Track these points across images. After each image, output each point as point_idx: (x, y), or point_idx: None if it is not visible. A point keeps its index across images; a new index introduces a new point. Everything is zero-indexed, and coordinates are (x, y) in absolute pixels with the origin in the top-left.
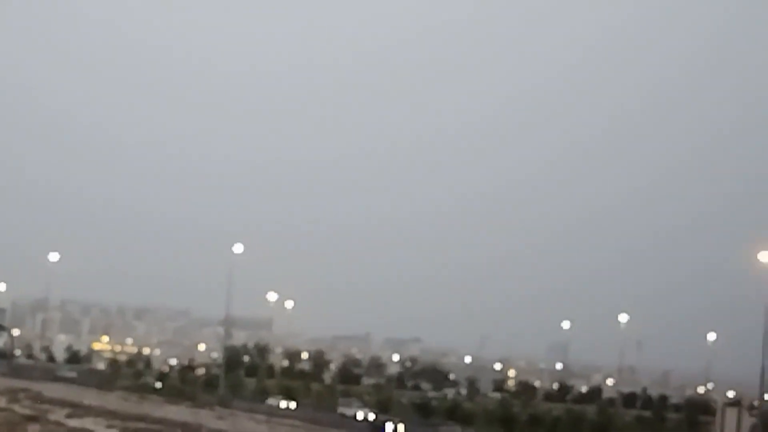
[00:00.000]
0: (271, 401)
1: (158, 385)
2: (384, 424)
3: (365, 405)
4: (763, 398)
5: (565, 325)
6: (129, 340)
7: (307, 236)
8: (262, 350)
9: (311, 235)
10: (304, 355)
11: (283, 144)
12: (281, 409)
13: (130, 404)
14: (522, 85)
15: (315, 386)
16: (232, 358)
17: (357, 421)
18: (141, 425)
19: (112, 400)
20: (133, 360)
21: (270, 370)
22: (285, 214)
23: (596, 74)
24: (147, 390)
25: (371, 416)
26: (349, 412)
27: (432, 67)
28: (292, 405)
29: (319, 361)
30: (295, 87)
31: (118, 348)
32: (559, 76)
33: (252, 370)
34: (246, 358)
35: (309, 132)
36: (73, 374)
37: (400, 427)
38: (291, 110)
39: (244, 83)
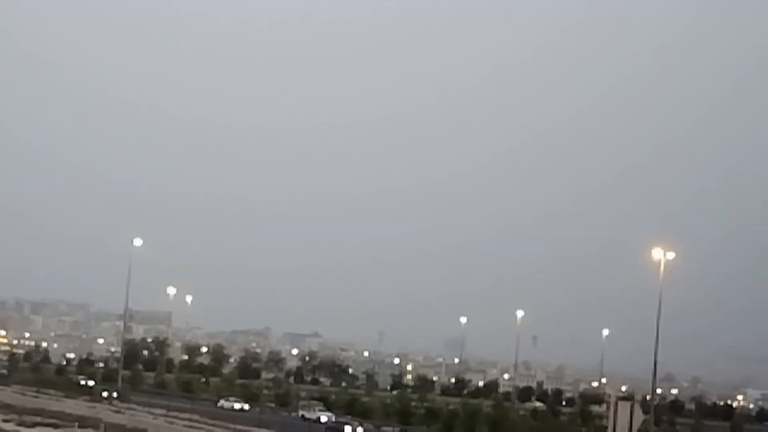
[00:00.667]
0: (223, 403)
1: (56, 378)
2: (343, 426)
3: (327, 408)
4: (655, 393)
5: (462, 320)
6: (26, 334)
7: (207, 231)
8: (161, 344)
9: (210, 230)
10: (203, 349)
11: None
12: (231, 410)
13: (28, 398)
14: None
15: (214, 381)
16: (131, 352)
17: (320, 423)
18: (38, 419)
19: (9, 394)
20: (31, 354)
21: (169, 365)
22: (182, 210)
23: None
24: (45, 384)
25: (324, 417)
26: (309, 414)
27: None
28: (246, 406)
29: (218, 355)
30: None
31: (15, 342)
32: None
33: (151, 365)
34: (145, 353)
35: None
36: None
37: (359, 429)
38: None
39: None
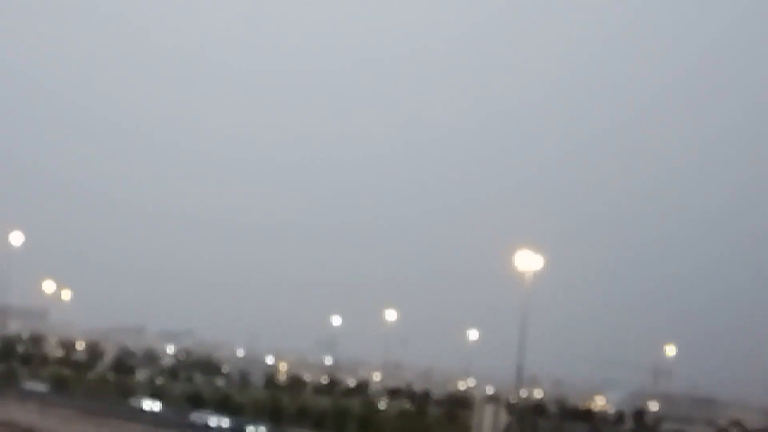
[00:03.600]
0: (134, 402)
1: None
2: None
3: (217, 412)
4: (519, 395)
5: (335, 321)
6: None
7: (83, 228)
8: (37, 340)
9: (87, 227)
10: (79, 346)
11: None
12: (139, 411)
13: None
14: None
15: (90, 376)
16: (6, 347)
17: (210, 428)
18: None
19: None
20: None
21: (44, 360)
22: (59, 203)
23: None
24: None
25: (225, 422)
26: (200, 420)
27: None
28: (156, 406)
29: (94, 351)
30: None
31: None
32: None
33: (26, 359)
34: (20, 348)
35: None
36: None
37: (261, 429)
38: None
39: None
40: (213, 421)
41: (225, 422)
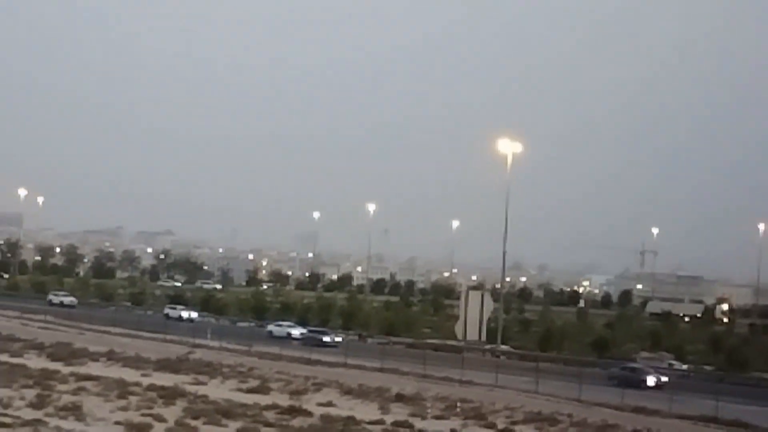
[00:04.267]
0: (51, 297)
1: None
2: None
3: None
4: (505, 282)
5: (315, 215)
6: None
7: (55, 130)
8: (13, 246)
9: (59, 129)
10: (57, 251)
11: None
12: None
13: None
14: None
15: (68, 281)
16: None
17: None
18: None
19: None
20: None
21: (22, 266)
22: (34, 105)
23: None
24: None
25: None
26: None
27: None
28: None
29: (71, 255)
30: None
31: None
32: None
33: (3, 266)
34: None
35: None
36: None
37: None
38: None
39: None
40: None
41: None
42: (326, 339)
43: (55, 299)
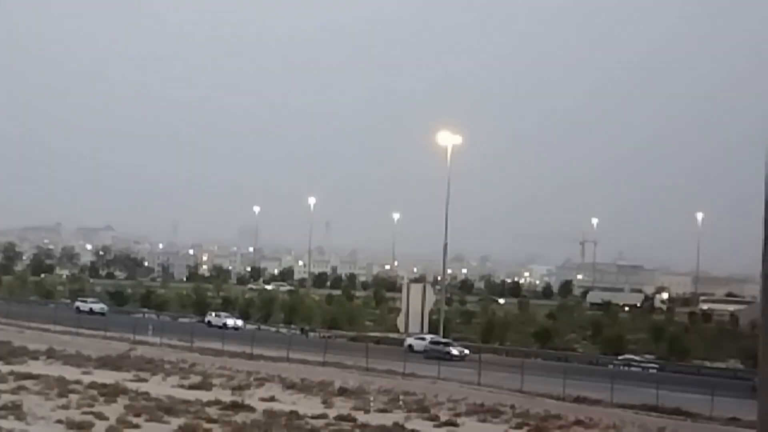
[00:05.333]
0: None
1: None
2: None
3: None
4: (446, 273)
5: (256, 209)
6: None
7: None
8: None
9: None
10: None
11: None
12: None
13: None
14: None
15: (6, 279)
16: None
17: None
18: None
19: None
20: None
21: None
22: None
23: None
24: None
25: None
26: (216, 321)
27: None
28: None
29: (10, 253)
30: None
31: None
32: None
33: None
34: None
35: None
36: None
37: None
38: None
39: None
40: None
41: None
42: (454, 352)
43: (84, 306)
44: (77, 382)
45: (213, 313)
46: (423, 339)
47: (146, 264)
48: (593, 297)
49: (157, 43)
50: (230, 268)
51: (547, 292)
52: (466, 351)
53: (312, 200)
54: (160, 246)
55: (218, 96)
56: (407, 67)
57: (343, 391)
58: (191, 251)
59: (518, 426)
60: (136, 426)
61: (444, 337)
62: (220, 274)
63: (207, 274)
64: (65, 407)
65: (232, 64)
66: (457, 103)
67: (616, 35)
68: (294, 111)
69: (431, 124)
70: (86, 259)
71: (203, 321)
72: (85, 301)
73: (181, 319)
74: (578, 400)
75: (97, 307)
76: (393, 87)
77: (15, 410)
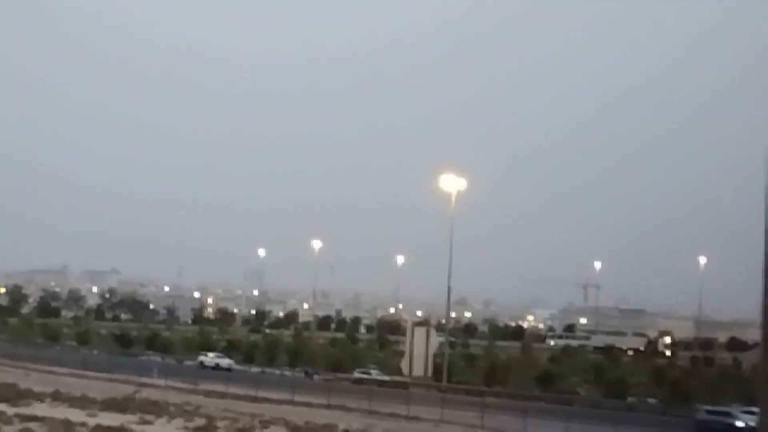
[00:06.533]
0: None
1: None
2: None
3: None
4: (450, 317)
5: (261, 252)
6: None
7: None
8: None
9: (4, 167)
10: (1, 291)
11: None
12: None
13: None
14: None
15: (12, 321)
16: None
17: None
18: None
19: None
20: None
21: None
22: None
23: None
24: None
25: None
26: (209, 362)
27: None
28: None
29: (16, 295)
30: None
31: None
32: None
33: None
34: None
35: None
36: None
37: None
38: None
39: None
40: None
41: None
42: (739, 424)
43: (208, 361)
44: (82, 424)
45: (206, 354)
46: None
47: (152, 307)
48: (596, 341)
49: (161, 76)
50: (235, 311)
51: (550, 335)
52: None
53: (316, 243)
54: (166, 289)
55: (219, 143)
56: (407, 102)
57: None
58: (196, 294)
59: None
60: None
61: (448, 381)
62: (225, 317)
63: (212, 316)
64: None
65: (240, 111)
66: (458, 141)
67: (623, 64)
68: (295, 154)
69: (435, 163)
70: (92, 301)
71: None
72: (207, 356)
73: (186, 362)
74: None
75: (225, 362)
76: (393, 119)
77: None
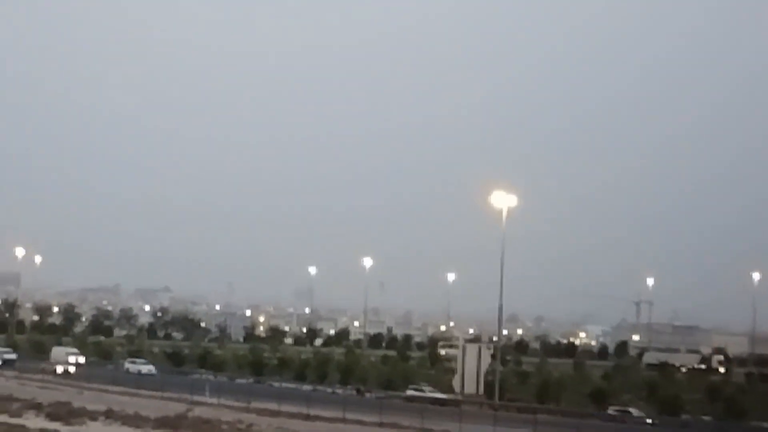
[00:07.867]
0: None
1: None
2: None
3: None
4: (501, 334)
5: (311, 270)
6: None
7: (53, 188)
8: (11, 306)
9: (56, 188)
10: (54, 309)
11: None
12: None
13: None
14: None
15: (66, 340)
16: None
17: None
18: None
19: None
20: None
21: (20, 326)
22: (27, 165)
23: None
24: None
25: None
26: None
27: None
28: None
29: (69, 314)
30: None
31: None
32: None
33: (2, 327)
34: None
35: None
36: None
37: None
38: None
39: None
40: None
41: None
42: None
43: (133, 368)
44: None
45: (133, 361)
46: None
47: (203, 325)
48: (649, 357)
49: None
50: (286, 328)
51: (602, 352)
52: None
53: (367, 261)
54: (217, 307)
55: (266, 163)
56: (461, 123)
57: None
58: (248, 312)
59: None
60: None
61: (500, 398)
62: (276, 334)
63: (263, 334)
64: None
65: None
66: (511, 158)
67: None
68: (346, 172)
69: (485, 180)
70: (144, 319)
71: (259, 381)
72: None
73: (238, 380)
74: None
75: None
76: (448, 142)
77: None
